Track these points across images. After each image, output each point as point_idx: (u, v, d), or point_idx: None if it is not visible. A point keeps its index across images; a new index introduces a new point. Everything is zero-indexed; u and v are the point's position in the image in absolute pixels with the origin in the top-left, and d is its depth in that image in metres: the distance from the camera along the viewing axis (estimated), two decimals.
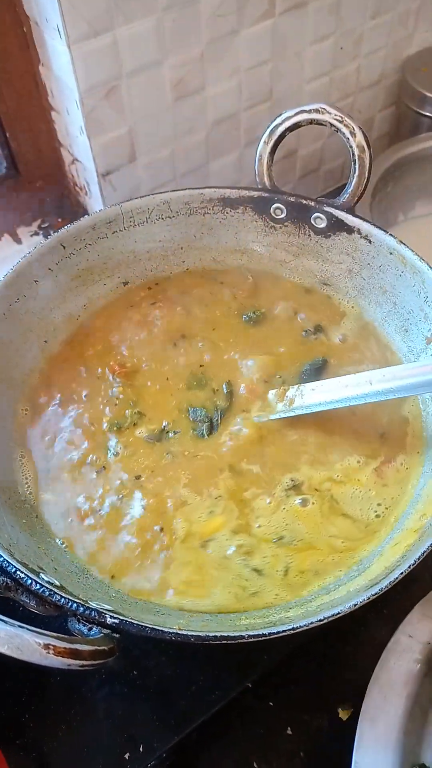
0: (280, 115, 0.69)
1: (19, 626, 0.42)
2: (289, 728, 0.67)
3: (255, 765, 0.65)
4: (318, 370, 0.71)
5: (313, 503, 0.63)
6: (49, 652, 0.41)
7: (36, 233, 0.93)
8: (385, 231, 0.68)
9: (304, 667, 0.69)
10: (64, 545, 0.61)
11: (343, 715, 0.67)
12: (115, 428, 0.68)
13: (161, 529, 0.62)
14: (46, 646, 0.41)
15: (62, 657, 0.42)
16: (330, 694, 0.68)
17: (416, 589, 0.68)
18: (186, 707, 0.64)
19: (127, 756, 0.62)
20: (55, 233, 0.71)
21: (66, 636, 0.43)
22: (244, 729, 0.67)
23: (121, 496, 0.64)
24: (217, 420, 0.68)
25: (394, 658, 0.63)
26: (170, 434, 0.67)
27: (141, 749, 0.63)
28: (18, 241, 0.93)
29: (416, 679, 0.62)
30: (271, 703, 0.68)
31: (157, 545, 0.61)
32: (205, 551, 0.61)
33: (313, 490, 0.63)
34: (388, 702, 0.61)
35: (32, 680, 0.67)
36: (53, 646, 0.42)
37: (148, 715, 0.64)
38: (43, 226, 0.94)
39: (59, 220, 0.94)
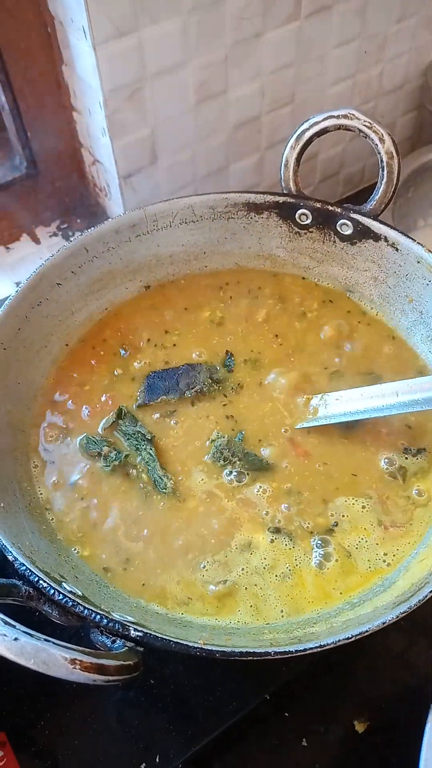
0: (308, 120, 0.68)
1: (45, 640, 0.41)
2: (304, 740, 0.66)
3: None
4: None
5: (334, 562, 0.60)
6: (75, 668, 0.41)
7: (55, 234, 0.93)
8: (412, 239, 0.67)
9: (320, 678, 0.69)
10: (76, 551, 0.61)
11: (360, 727, 0.66)
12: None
13: None
14: (73, 661, 0.41)
15: (88, 672, 0.41)
16: (346, 707, 0.68)
17: None
18: (203, 718, 0.64)
19: (143, 766, 0.62)
20: (79, 236, 0.70)
21: (92, 650, 0.43)
22: (259, 740, 0.66)
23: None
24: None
25: None
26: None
27: (157, 760, 0.62)
28: (37, 241, 0.92)
29: None
30: (286, 714, 0.67)
31: None
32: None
33: (341, 546, 0.61)
34: None
35: (47, 687, 0.66)
36: (79, 661, 0.41)
37: (164, 725, 0.64)
38: (62, 226, 0.93)
39: (78, 221, 0.93)
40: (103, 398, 0.70)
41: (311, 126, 0.68)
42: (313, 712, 0.67)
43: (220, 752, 0.65)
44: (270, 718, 0.67)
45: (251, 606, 0.57)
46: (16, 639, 0.40)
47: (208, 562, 0.60)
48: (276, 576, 0.59)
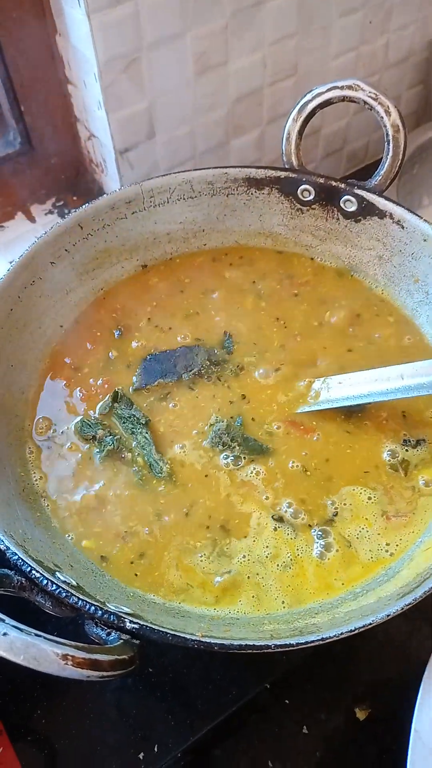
0: (311, 91, 0.66)
1: (36, 635, 0.40)
2: (305, 727, 0.65)
3: (270, 765, 0.64)
4: None
5: (335, 552, 0.59)
6: (67, 663, 0.39)
7: (50, 211, 0.90)
8: (419, 216, 0.65)
9: (321, 666, 0.68)
10: (70, 537, 0.59)
11: (361, 715, 0.66)
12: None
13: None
14: (65, 657, 0.39)
15: (81, 668, 0.40)
16: (347, 694, 0.67)
17: None
18: (202, 707, 0.63)
19: (141, 756, 0.61)
20: (73, 213, 0.68)
21: (85, 645, 0.41)
22: (260, 728, 0.65)
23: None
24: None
25: None
26: None
27: (156, 749, 0.61)
28: (32, 219, 0.90)
29: None
30: (287, 702, 0.66)
31: None
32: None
33: (341, 536, 0.59)
34: None
35: (44, 676, 0.65)
36: (72, 656, 0.40)
37: (163, 714, 0.63)
38: (57, 204, 0.91)
39: (74, 198, 0.91)
40: (99, 382, 0.68)
41: (314, 97, 0.66)
42: (313, 700, 0.66)
43: (220, 741, 0.64)
44: (270, 706, 0.66)
45: (253, 596, 0.56)
46: (5, 634, 0.39)
47: (207, 550, 0.58)
48: (278, 566, 0.57)
